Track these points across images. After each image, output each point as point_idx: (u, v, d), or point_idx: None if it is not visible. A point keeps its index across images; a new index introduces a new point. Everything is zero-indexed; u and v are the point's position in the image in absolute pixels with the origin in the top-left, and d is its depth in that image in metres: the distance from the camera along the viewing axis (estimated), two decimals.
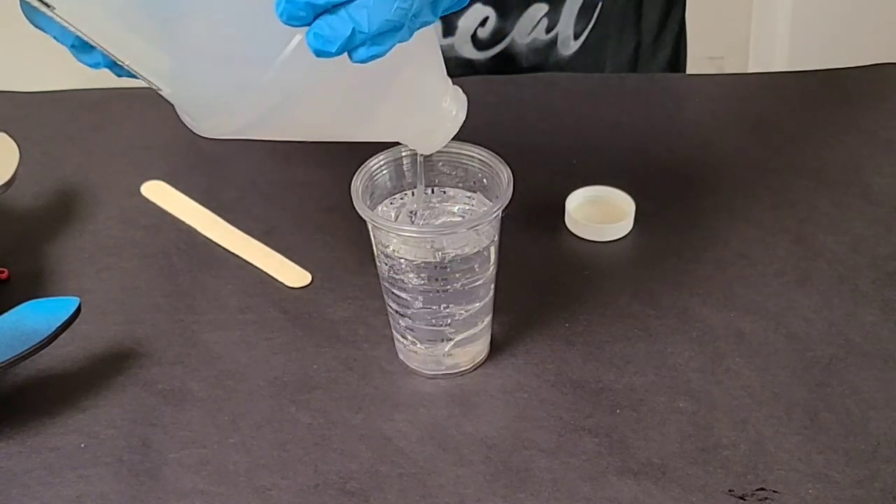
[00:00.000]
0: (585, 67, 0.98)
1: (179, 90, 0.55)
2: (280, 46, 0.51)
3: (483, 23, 0.94)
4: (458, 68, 0.95)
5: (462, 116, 0.61)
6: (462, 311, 0.65)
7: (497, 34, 0.95)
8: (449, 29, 0.93)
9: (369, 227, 0.64)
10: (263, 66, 0.51)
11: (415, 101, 0.59)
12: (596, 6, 0.96)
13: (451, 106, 0.61)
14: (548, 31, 0.95)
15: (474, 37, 0.95)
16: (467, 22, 0.93)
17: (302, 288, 0.75)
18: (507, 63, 0.96)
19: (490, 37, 0.95)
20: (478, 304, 0.66)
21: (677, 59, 1.05)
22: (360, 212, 0.63)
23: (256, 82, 0.52)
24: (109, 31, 0.53)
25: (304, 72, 0.51)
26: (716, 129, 0.89)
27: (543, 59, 0.97)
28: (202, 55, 0.52)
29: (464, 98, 0.61)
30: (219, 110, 0.54)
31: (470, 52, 0.95)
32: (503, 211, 0.63)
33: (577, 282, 0.74)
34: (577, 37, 0.97)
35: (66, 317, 0.66)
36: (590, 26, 0.96)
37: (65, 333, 0.66)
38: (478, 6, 0.92)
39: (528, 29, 0.95)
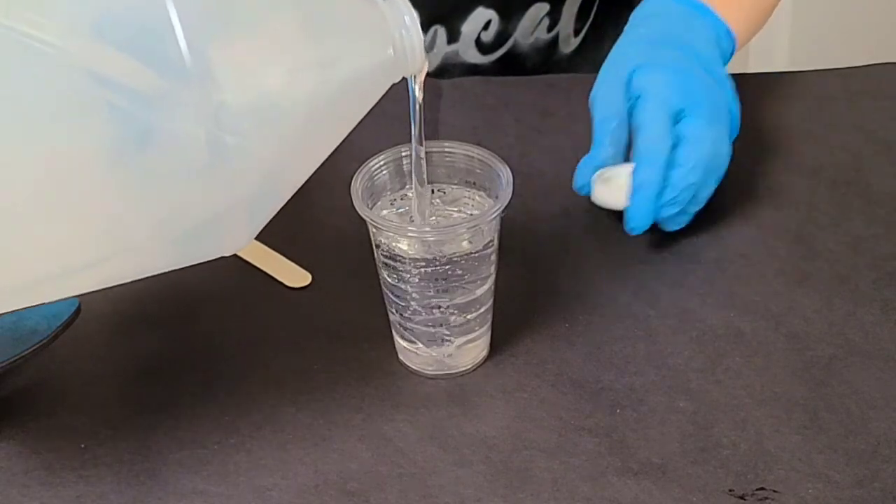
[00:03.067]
0: (586, 63, 0.98)
1: (175, 251, 0.55)
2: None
3: (486, 26, 0.94)
4: (463, 74, 0.96)
5: (410, 11, 0.57)
6: (462, 313, 0.65)
7: (500, 37, 0.95)
8: (453, 35, 0.93)
9: (369, 227, 0.64)
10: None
11: (368, 78, 0.58)
12: (594, 2, 0.96)
13: (394, 23, 0.57)
14: (549, 29, 0.95)
15: (478, 41, 0.95)
16: (471, 27, 0.94)
17: (302, 288, 0.75)
18: (511, 65, 0.96)
19: (493, 40, 0.95)
20: (478, 306, 0.66)
21: None
22: (360, 212, 0.63)
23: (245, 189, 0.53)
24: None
25: (272, 150, 0.52)
26: None
27: (546, 58, 0.97)
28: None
29: None
30: (224, 230, 0.55)
31: (474, 57, 0.95)
32: (503, 211, 0.63)
33: (578, 281, 0.74)
34: (576, 34, 0.97)
35: (66, 317, 0.65)
36: (588, 22, 0.97)
37: (65, 333, 0.66)
38: (480, 10, 0.93)
39: (531, 29, 0.95)
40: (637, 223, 0.72)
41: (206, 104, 0.50)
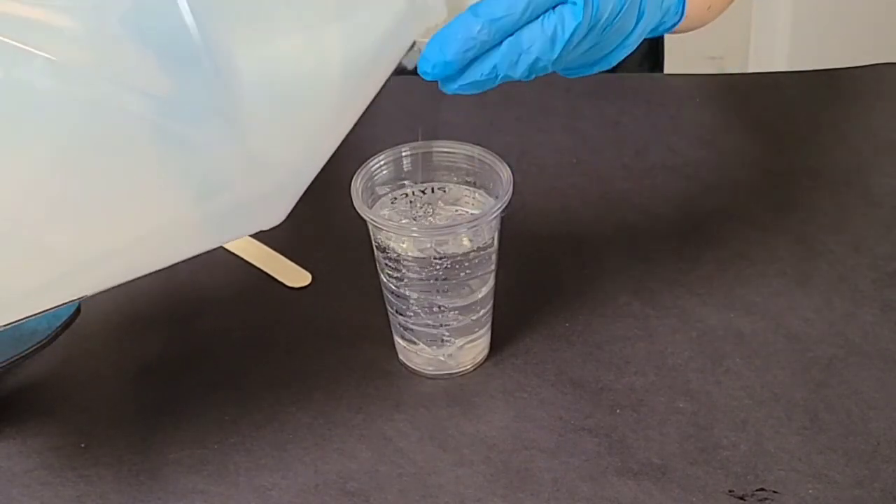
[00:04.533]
0: None
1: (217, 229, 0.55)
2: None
3: None
4: None
5: None
6: (462, 313, 0.65)
7: None
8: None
9: (369, 226, 0.64)
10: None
11: (390, 41, 0.56)
12: None
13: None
14: None
15: None
16: None
17: (302, 288, 0.75)
18: None
19: None
20: (478, 306, 0.66)
21: (657, 44, 1.06)
22: (360, 212, 0.63)
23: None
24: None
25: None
26: (716, 129, 0.89)
27: None
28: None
29: None
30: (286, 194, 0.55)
31: None
32: (503, 210, 0.63)
33: (577, 282, 0.74)
34: None
35: (66, 317, 0.65)
36: None
37: (65, 333, 0.66)
38: None
39: None
40: (427, 61, 0.56)
41: (228, 104, 0.50)
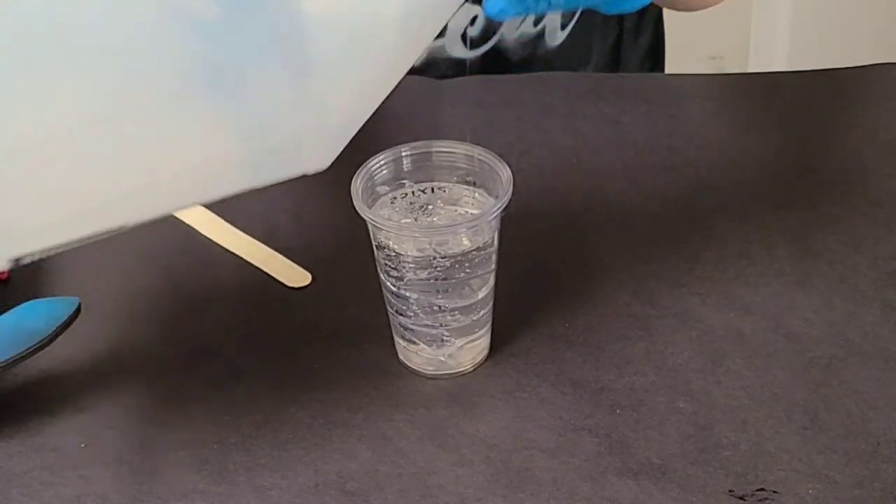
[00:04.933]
0: (573, 56, 0.98)
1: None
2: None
3: (472, 21, 0.94)
4: (449, 69, 0.96)
5: None
6: (462, 313, 0.65)
7: (487, 31, 0.95)
8: (440, 31, 0.94)
9: (369, 226, 0.64)
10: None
11: None
12: None
13: None
14: (535, 23, 0.96)
15: (464, 36, 0.95)
16: (457, 22, 0.94)
17: (302, 288, 0.75)
18: (496, 59, 0.97)
19: (480, 34, 0.95)
20: (478, 306, 0.66)
21: (658, 42, 1.06)
22: (360, 212, 0.63)
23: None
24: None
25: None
26: (716, 129, 0.89)
27: (531, 51, 0.97)
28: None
29: None
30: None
31: (460, 52, 0.96)
32: (503, 210, 0.63)
33: (577, 282, 0.74)
34: (563, 27, 0.97)
35: (66, 317, 0.65)
36: (577, 15, 0.97)
37: (65, 333, 0.66)
38: (467, 5, 0.93)
39: (517, 23, 0.95)
40: None
41: (290, 39, 0.48)
